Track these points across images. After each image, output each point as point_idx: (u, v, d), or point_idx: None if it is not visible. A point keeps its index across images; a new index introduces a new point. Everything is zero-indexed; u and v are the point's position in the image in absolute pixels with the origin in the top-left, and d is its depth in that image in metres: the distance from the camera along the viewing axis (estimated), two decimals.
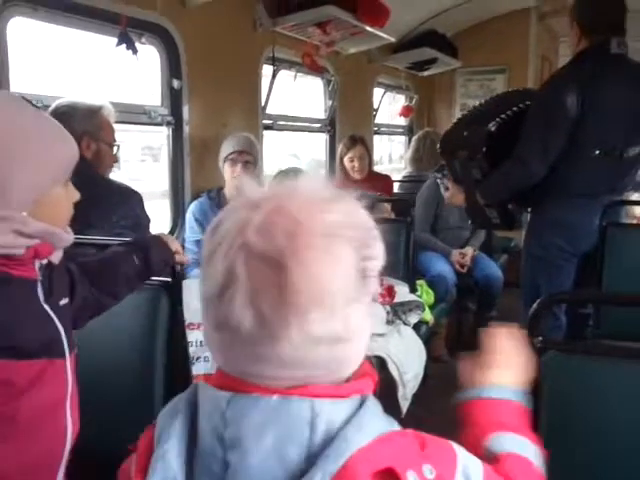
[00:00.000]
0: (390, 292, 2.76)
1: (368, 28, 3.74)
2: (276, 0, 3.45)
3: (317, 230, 0.66)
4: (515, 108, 2.67)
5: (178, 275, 1.64)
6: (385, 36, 4.04)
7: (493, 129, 2.69)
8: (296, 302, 0.65)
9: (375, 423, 0.71)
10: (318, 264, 0.66)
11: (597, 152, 2.51)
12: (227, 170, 3.05)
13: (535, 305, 1.22)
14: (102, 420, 1.41)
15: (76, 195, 1.24)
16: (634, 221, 3.06)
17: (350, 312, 0.69)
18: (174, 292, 1.63)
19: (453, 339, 4.10)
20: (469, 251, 3.98)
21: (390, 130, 5.71)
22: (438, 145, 3.10)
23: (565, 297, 1.62)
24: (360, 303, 0.70)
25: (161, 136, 3.08)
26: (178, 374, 1.62)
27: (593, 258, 2.65)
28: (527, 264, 2.78)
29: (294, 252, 0.65)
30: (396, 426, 0.73)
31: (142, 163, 3.40)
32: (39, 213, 1.13)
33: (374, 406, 0.73)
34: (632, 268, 2.63)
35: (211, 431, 0.71)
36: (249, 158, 3.05)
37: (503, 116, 2.69)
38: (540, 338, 1.19)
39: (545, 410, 1.21)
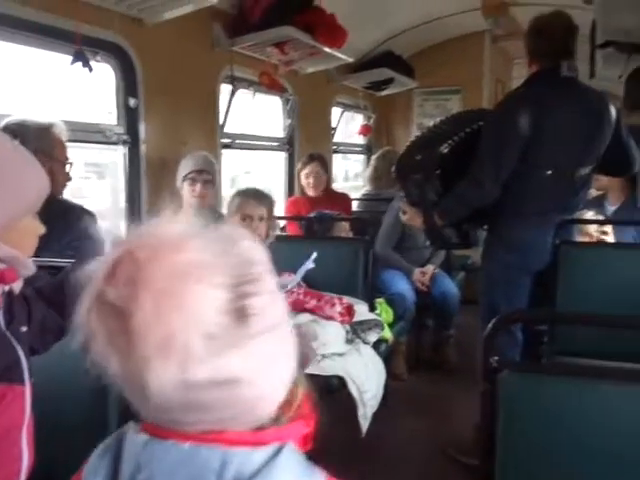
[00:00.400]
0: (349, 311, 2.75)
1: (326, 49, 3.77)
2: (234, 20, 3.45)
3: (162, 273, 0.63)
4: (468, 129, 2.72)
5: None
6: (343, 57, 4.08)
7: (445, 151, 2.74)
8: (143, 349, 0.62)
9: (286, 476, 0.68)
10: (161, 309, 0.62)
11: (549, 172, 2.57)
12: (186, 189, 3.02)
13: (490, 325, 1.23)
14: (56, 448, 1.37)
15: (42, 229, 1.26)
16: (587, 238, 3.13)
17: (234, 353, 0.65)
18: None
19: (412, 357, 4.13)
20: (429, 269, 4.02)
21: (349, 149, 5.75)
22: (393, 169, 3.11)
23: (519, 316, 1.64)
24: (248, 343, 0.66)
25: (109, 153, 3.03)
26: None
27: (547, 275, 2.70)
28: (484, 282, 2.83)
29: (134, 298, 0.62)
30: (317, 477, 0.70)
31: (86, 180, 3.34)
32: (7, 240, 1.13)
33: (291, 456, 0.69)
34: (585, 285, 2.69)
35: (129, 475, 0.70)
36: (208, 177, 3.04)
37: (455, 138, 2.74)
38: (496, 358, 1.21)
39: (501, 428, 1.22)
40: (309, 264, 2.79)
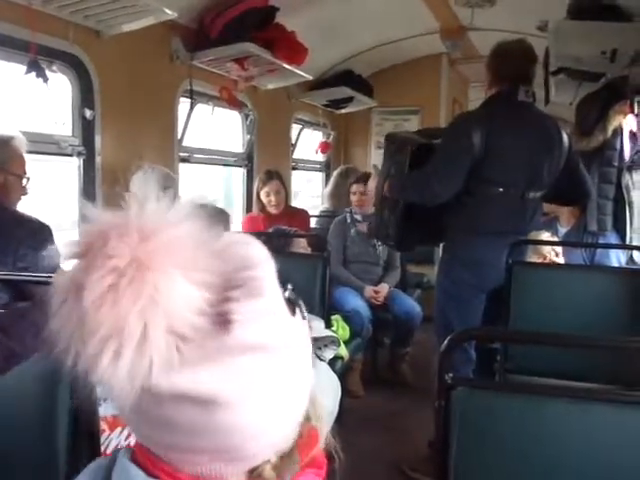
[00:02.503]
0: None
1: (286, 66, 3.79)
2: (194, 34, 3.44)
3: (130, 250, 0.56)
4: None
5: None
6: (303, 74, 4.11)
7: (434, 142, 2.83)
8: (92, 335, 0.54)
9: None
10: (119, 290, 0.54)
11: (500, 190, 2.64)
12: None
13: (446, 342, 1.24)
14: None
15: None
16: (540, 258, 3.20)
17: (209, 366, 0.57)
18: None
19: (368, 374, 4.13)
20: (384, 288, 4.05)
21: (307, 165, 5.77)
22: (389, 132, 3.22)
23: (473, 334, 1.67)
24: (227, 358, 0.57)
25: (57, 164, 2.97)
26: (84, 420, 1.52)
27: (500, 294, 2.74)
28: (439, 299, 2.86)
29: (90, 273, 0.55)
30: None
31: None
32: None
33: None
34: (537, 304, 2.73)
35: None
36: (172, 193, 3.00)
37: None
38: (451, 375, 1.22)
39: (455, 445, 1.23)
40: None
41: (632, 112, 3.44)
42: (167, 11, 2.70)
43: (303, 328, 0.68)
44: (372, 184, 3.33)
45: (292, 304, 0.67)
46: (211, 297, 0.58)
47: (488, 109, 2.73)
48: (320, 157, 5.84)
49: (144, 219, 0.59)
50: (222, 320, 0.57)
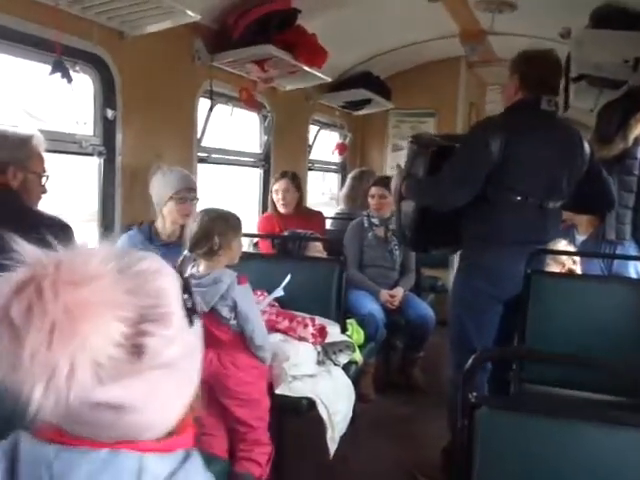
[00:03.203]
0: (322, 332, 2.75)
1: (306, 68, 3.79)
2: (215, 35, 3.45)
3: (58, 306, 0.67)
4: None
5: None
6: (322, 76, 4.11)
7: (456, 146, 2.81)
8: (29, 372, 0.66)
9: (199, 477, 0.79)
10: (53, 340, 0.66)
11: (518, 198, 2.63)
12: (173, 208, 2.96)
13: (469, 362, 1.24)
14: None
15: None
16: (558, 267, 3.19)
17: (122, 384, 0.71)
18: None
19: (380, 378, 4.13)
20: (399, 292, 4.04)
21: (324, 167, 5.77)
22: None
23: (496, 354, 1.65)
24: (137, 376, 0.72)
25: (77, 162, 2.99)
26: None
27: (518, 304, 2.74)
28: (455, 307, 2.85)
29: (30, 324, 0.66)
30: None
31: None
32: None
33: (197, 460, 0.80)
34: (555, 315, 2.73)
35: None
36: (195, 195, 3.02)
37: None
38: (474, 394, 1.21)
39: (478, 463, 1.23)
40: (279, 291, 2.79)
41: None
42: (190, 13, 2.71)
43: (197, 333, 0.83)
44: (394, 184, 3.34)
45: (191, 313, 0.82)
46: (128, 331, 0.70)
47: (509, 117, 2.71)
48: (336, 158, 5.83)
49: (73, 268, 0.70)
50: (136, 350, 0.70)
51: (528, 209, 2.64)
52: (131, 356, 0.70)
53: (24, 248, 0.73)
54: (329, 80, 4.38)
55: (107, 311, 0.68)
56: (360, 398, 3.50)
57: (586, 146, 2.80)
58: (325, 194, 6.71)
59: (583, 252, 3.25)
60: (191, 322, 0.81)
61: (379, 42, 4.97)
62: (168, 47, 3.17)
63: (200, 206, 3.18)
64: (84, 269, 0.70)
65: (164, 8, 2.62)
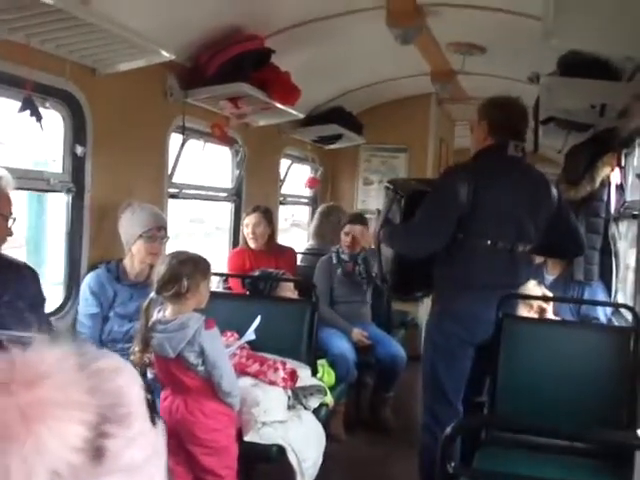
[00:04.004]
0: (293, 376, 2.71)
1: (279, 105, 3.80)
2: (189, 73, 3.44)
3: (10, 412, 0.62)
4: None
5: None
6: (295, 112, 4.12)
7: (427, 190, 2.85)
8: None
9: None
10: (4, 445, 0.62)
11: (488, 243, 2.65)
12: (142, 247, 2.92)
13: (448, 431, 1.22)
14: None
15: None
16: (528, 308, 3.21)
17: None
18: None
19: (351, 417, 4.09)
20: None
21: (296, 200, 5.76)
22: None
23: (477, 422, 1.63)
24: (98, 477, 0.67)
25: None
26: None
27: (490, 348, 2.74)
28: (427, 351, 2.84)
29: None
30: None
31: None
32: None
33: None
34: (526, 359, 2.74)
35: None
36: (164, 234, 2.98)
37: None
38: (453, 464, 1.19)
39: None
40: (250, 335, 2.75)
41: (619, 165, 3.49)
42: (164, 53, 2.69)
43: (160, 434, 0.77)
44: (361, 233, 3.42)
45: (153, 413, 0.77)
46: (88, 434, 0.65)
47: (477, 163, 2.76)
48: (308, 192, 5.84)
49: (28, 366, 0.65)
50: (95, 454, 0.66)
51: (498, 254, 2.67)
52: (90, 460, 0.66)
53: None
54: (302, 117, 4.40)
55: (65, 412, 0.64)
56: (331, 438, 3.46)
57: (554, 190, 2.84)
58: (287, 220, 6.72)
59: (553, 297, 3.29)
60: (153, 422, 0.77)
61: (351, 79, 5.02)
62: (141, 84, 3.14)
63: (170, 245, 3.16)
64: (39, 367, 0.66)
65: (138, 47, 2.60)
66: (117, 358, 0.75)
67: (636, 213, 3.04)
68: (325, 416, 3.03)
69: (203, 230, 5.26)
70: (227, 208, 4.51)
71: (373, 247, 3.39)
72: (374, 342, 4.01)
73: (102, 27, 2.32)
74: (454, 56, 4.33)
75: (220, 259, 4.35)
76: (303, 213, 6.20)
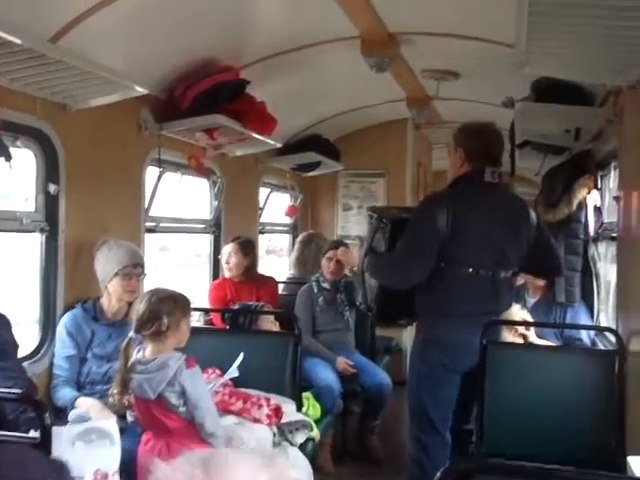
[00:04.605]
0: (277, 413, 2.65)
1: (255, 135, 3.78)
2: (163, 105, 3.41)
3: None
4: None
5: (47, 430, 1.46)
6: (272, 142, 4.11)
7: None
8: None
9: None
10: None
11: (470, 270, 2.63)
12: (118, 284, 2.86)
13: (438, 476, 1.19)
14: None
15: None
16: (512, 332, 3.20)
17: None
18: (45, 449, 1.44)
19: (338, 447, 4.02)
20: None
21: (275, 228, 5.73)
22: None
23: (463, 467, 1.59)
24: None
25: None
26: None
27: (475, 375, 2.71)
28: (412, 380, 2.80)
29: None
30: None
31: None
32: None
33: None
34: (512, 385, 2.72)
35: None
36: (141, 271, 2.93)
37: None
38: None
39: None
40: (233, 372, 2.70)
41: (596, 187, 3.52)
42: (137, 88, 2.67)
43: None
44: (356, 253, 3.41)
45: None
46: None
47: (455, 190, 2.74)
48: (288, 219, 5.81)
49: None
50: None
51: (480, 280, 2.65)
52: None
53: None
54: (278, 146, 4.39)
55: None
56: (318, 471, 3.39)
57: (532, 214, 2.83)
58: (262, 246, 6.66)
59: (537, 322, 3.29)
60: None
61: (328, 106, 5.03)
62: (114, 118, 3.10)
63: (150, 279, 3.11)
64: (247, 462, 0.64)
65: (110, 83, 2.57)
66: None
67: (614, 235, 3.05)
68: (312, 451, 2.98)
69: (178, 259, 5.18)
70: (206, 239, 4.46)
71: (356, 269, 3.37)
72: (359, 370, 3.97)
73: (72, 64, 2.29)
74: (429, 82, 4.35)
75: (200, 290, 4.32)
76: (279, 239, 6.16)
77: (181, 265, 5.28)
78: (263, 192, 5.24)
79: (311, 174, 5.65)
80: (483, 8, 2.93)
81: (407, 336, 5.23)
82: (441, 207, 2.61)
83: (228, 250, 4.14)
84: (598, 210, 3.54)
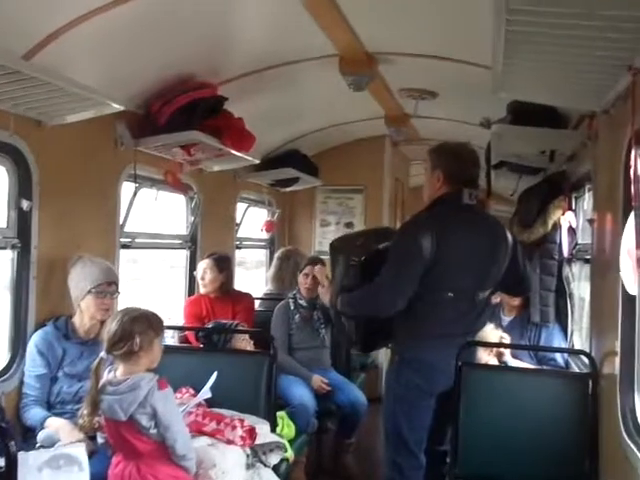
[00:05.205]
0: (251, 434, 2.62)
1: (233, 151, 3.76)
2: (140, 121, 3.38)
3: None
4: None
5: (12, 458, 1.42)
6: (249, 158, 4.09)
7: (381, 248, 2.79)
8: None
9: None
10: None
11: (450, 294, 2.62)
12: (92, 302, 2.81)
13: None
14: None
15: None
16: (487, 352, 3.21)
17: None
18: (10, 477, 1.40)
19: (313, 466, 3.99)
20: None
21: (252, 243, 5.70)
22: (333, 240, 3.18)
23: None
24: None
25: None
26: None
27: (450, 396, 2.71)
28: (388, 402, 2.79)
29: None
30: None
31: None
32: None
33: None
34: (486, 406, 2.74)
35: None
36: (115, 289, 2.89)
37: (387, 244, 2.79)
38: None
39: None
40: (206, 393, 2.67)
41: (570, 208, 3.56)
42: (113, 105, 2.65)
43: None
44: (320, 272, 3.38)
45: None
46: None
47: (434, 212, 2.71)
48: (265, 234, 5.78)
49: None
50: None
51: (459, 304, 2.64)
52: None
53: None
54: (256, 162, 4.37)
55: None
56: None
57: (509, 235, 2.85)
58: None
59: (512, 345, 3.31)
60: None
61: (306, 123, 5.04)
62: (90, 133, 3.07)
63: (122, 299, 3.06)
64: None
65: (85, 100, 2.54)
66: None
67: (588, 257, 3.08)
68: (286, 471, 2.95)
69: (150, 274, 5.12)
70: (182, 255, 4.42)
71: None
72: (334, 388, 3.95)
73: (46, 81, 2.26)
74: (407, 101, 4.38)
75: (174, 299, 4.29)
76: (250, 252, 6.12)
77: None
78: (240, 207, 5.21)
79: (289, 189, 5.65)
80: (461, 31, 2.96)
81: (383, 352, 5.22)
82: (424, 232, 2.58)
83: (203, 266, 4.11)
84: (572, 231, 3.57)
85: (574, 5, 1.54)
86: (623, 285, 2.02)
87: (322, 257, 4.43)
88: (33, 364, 2.75)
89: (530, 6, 1.57)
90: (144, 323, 2.34)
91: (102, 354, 2.35)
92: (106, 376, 2.33)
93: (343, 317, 2.90)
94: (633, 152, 1.83)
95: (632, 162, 1.83)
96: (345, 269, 2.82)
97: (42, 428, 2.62)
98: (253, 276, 6.10)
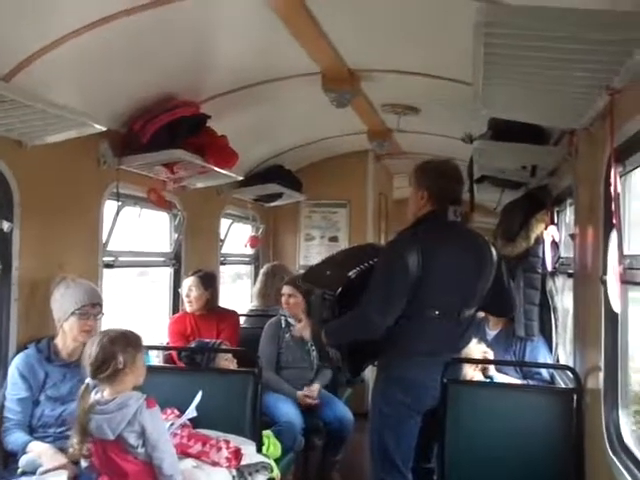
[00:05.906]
0: (237, 455, 2.60)
1: (216, 169, 3.76)
2: (122, 139, 3.37)
3: None
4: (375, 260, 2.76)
5: None
6: (233, 175, 4.09)
7: (353, 276, 2.78)
8: None
9: None
10: None
11: (437, 312, 2.62)
12: (75, 324, 2.77)
13: None
14: None
15: None
16: (472, 366, 3.21)
17: None
18: None
19: None
20: (315, 388, 3.95)
21: (237, 260, 5.69)
22: (301, 277, 3.16)
23: None
24: None
25: None
26: None
27: (436, 413, 2.71)
28: (374, 420, 2.77)
29: None
30: None
31: None
32: None
33: None
34: (472, 423, 2.74)
35: None
36: (99, 310, 2.85)
37: (365, 265, 2.78)
38: None
39: None
40: (192, 412, 2.65)
41: (552, 222, 3.58)
42: (95, 125, 2.63)
43: None
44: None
45: None
46: None
47: (419, 230, 2.71)
48: (250, 250, 5.77)
49: None
50: None
51: (445, 322, 2.64)
52: None
53: None
54: (240, 179, 4.38)
55: None
56: None
57: (493, 252, 2.85)
58: None
59: (496, 360, 3.31)
60: None
61: (289, 138, 5.06)
62: (72, 153, 3.05)
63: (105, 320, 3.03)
64: None
65: (66, 121, 2.53)
66: None
67: (571, 272, 3.10)
68: None
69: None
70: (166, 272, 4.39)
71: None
72: (321, 404, 3.93)
73: (25, 103, 2.24)
74: (389, 116, 4.41)
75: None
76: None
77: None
78: (224, 223, 5.20)
79: (273, 204, 5.65)
80: (442, 48, 2.99)
81: (370, 368, 5.20)
82: (411, 250, 2.57)
83: (188, 283, 4.09)
84: (555, 245, 3.59)
85: (554, 29, 1.56)
86: (605, 301, 2.04)
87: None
88: (14, 387, 2.71)
89: (508, 29, 1.59)
90: (123, 341, 2.34)
91: (88, 380, 2.33)
92: (93, 397, 2.31)
93: (327, 347, 2.87)
94: (613, 169, 1.85)
95: (612, 179, 1.85)
96: (321, 304, 2.81)
97: (24, 453, 2.58)
98: (231, 289, 6.07)
